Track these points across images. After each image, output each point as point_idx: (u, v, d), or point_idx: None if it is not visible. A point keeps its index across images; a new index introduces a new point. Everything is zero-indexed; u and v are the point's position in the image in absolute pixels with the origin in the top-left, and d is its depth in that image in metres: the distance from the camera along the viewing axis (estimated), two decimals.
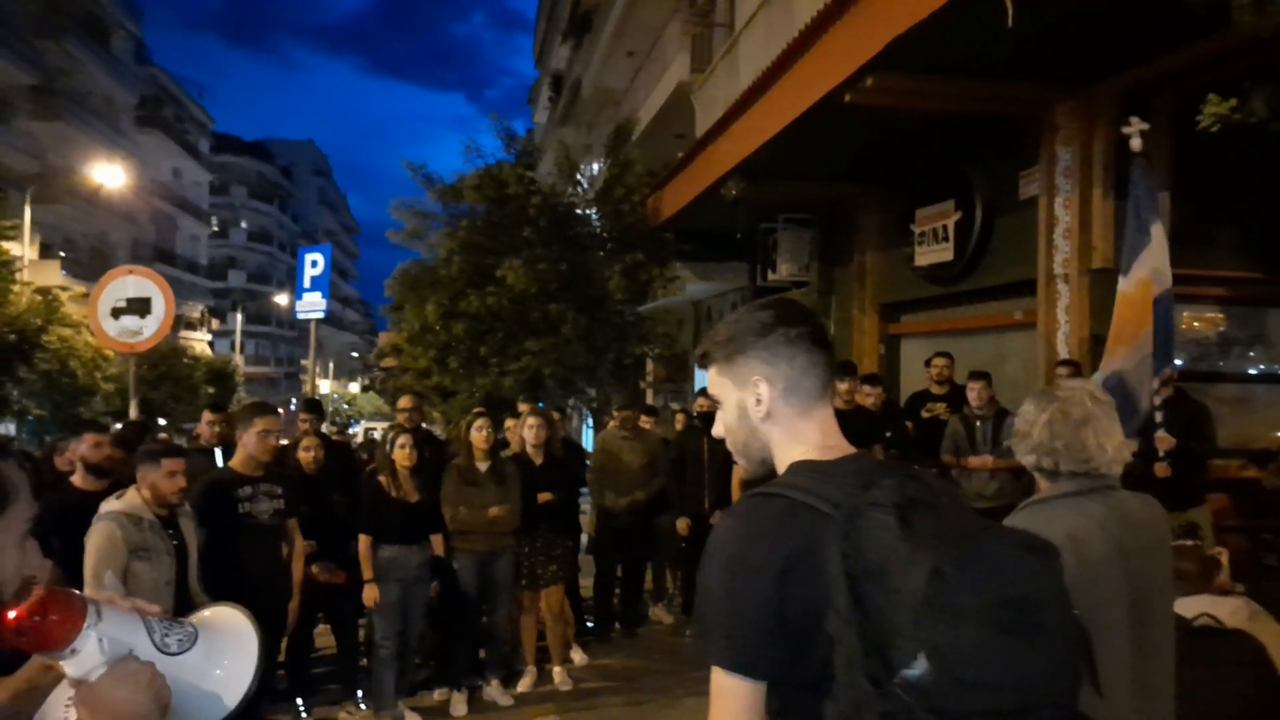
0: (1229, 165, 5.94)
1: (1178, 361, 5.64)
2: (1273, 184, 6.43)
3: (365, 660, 5.45)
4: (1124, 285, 5.07)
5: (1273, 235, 6.55)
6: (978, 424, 6.22)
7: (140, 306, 7.05)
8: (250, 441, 4.22)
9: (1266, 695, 2.63)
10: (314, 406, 6.26)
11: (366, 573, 4.97)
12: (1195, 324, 6.84)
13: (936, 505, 1.18)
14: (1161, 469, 4.96)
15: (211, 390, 23.99)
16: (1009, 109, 6.62)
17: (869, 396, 6.53)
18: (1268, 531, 6.17)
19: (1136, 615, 1.87)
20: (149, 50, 37.93)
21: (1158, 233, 5.03)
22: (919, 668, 1.05)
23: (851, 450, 1.37)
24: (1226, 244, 6.67)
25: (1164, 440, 5.08)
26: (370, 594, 4.95)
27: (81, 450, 4.25)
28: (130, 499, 3.61)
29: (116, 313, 7.06)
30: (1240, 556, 6.23)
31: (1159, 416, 5.25)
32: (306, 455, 5.31)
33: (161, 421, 22.17)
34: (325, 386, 58.14)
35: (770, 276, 10.83)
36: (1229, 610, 2.81)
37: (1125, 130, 4.99)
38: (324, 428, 6.72)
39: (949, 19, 5.05)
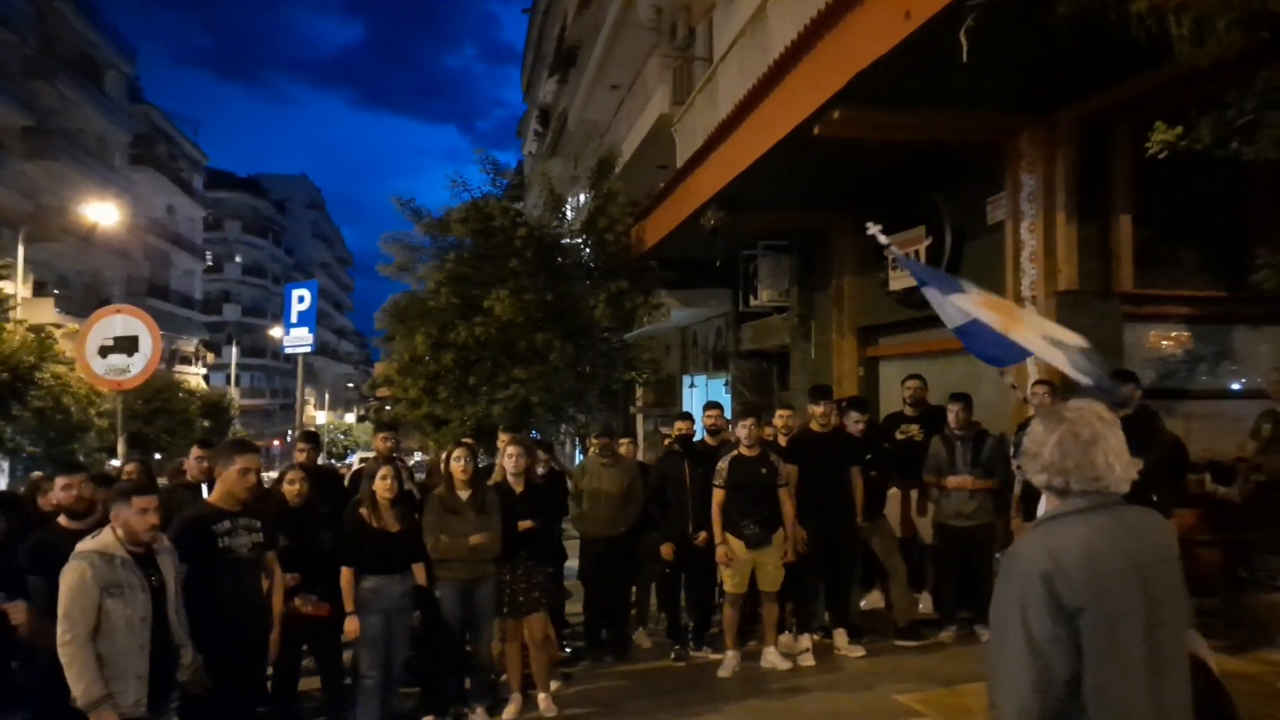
0: (1189, 189, 6.11)
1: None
2: (1230, 206, 6.62)
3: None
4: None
5: (1234, 255, 6.73)
6: (958, 444, 6.31)
7: (128, 345, 7.17)
8: (231, 478, 4.32)
9: (1207, 695, 2.71)
10: (311, 438, 6.35)
11: (348, 605, 5.05)
12: (1162, 342, 6.99)
13: None
14: None
15: (206, 424, 24.04)
16: (973, 138, 6.81)
17: (858, 424, 6.59)
18: (1240, 546, 6.28)
19: (1151, 627, 1.90)
20: (142, 88, 38.32)
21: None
22: None
23: None
24: (1190, 264, 6.83)
25: None
26: (351, 626, 5.02)
27: (54, 493, 4.29)
28: (104, 538, 3.69)
29: (104, 351, 7.17)
30: (1215, 570, 6.37)
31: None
32: (291, 489, 5.39)
33: (156, 456, 22.19)
34: (322, 417, 58.09)
35: (752, 302, 11.00)
36: None
37: (870, 231, 5.17)
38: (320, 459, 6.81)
39: (908, 54, 5.24)
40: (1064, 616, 1.85)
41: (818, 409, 6.48)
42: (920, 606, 6.94)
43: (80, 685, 3.48)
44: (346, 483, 7.03)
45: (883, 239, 5.36)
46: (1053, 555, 1.89)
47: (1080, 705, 1.86)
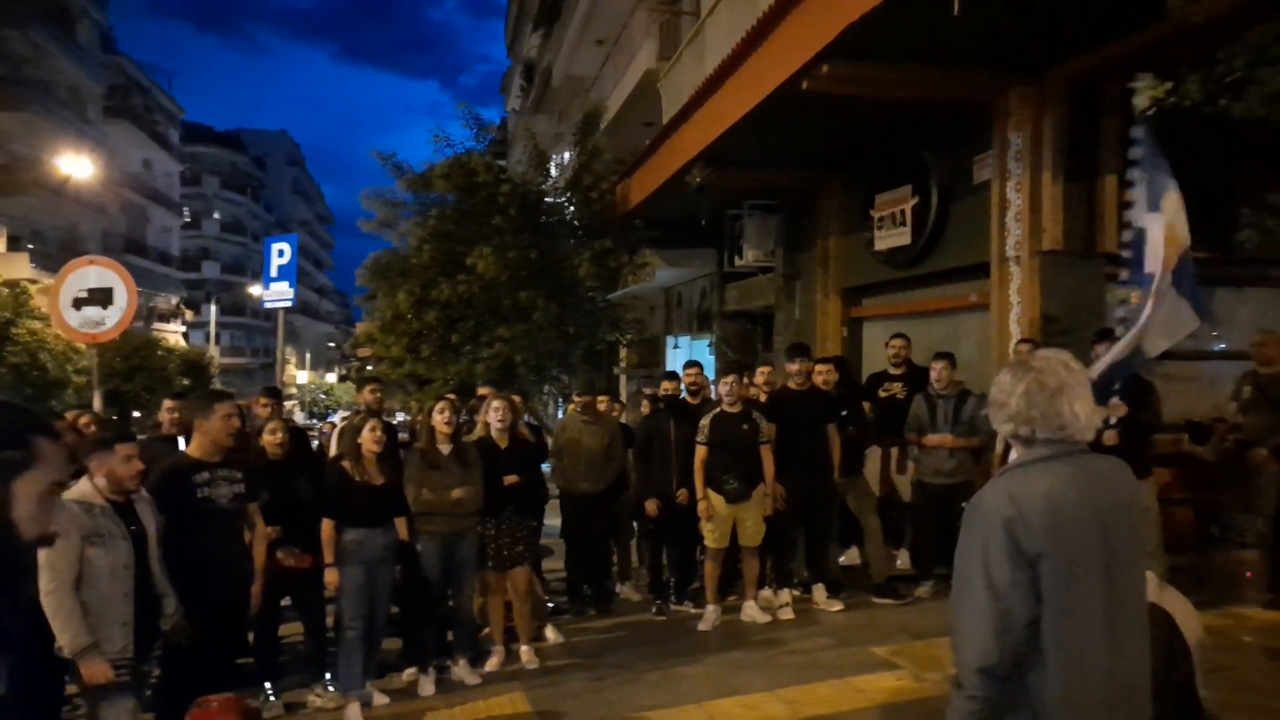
0: (1177, 148, 6.08)
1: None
2: (1216, 166, 6.61)
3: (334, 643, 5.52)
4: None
5: (1220, 215, 6.73)
6: (940, 403, 6.35)
7: (102, 297, 7.04)
8: (215, 427, 4.28)
9: (1178, 666, 2.76)
10: (274, 392, 6.29)
11: (328, 557, 5.04)
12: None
13: None
14: (1110, 436, 5.01)
15: (186, 382, 23.80)
16: (963, 95, 6.74)
17: (821, 374, 6.60)
18: (1212, 504, 6.38)
19: (1110, 573, 1.95)
20: (115, 38, 37.38)
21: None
22: None
23: None
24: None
25: (1118, 408, 5.19)
26: (331, 577, 5.02)
27: None
28: (82, 487, 3.67)
29: (78, 303, 7.04)
30: (1186, 528, 6.47)
31: (1115, 386, 5.38)
32: (273, 439, 5.35)
33: (135, 414, 22.02)
34: (303, 377, 57.79)
35: (737, 262, 10.95)
36: None
37: (1133, 84, 4.70)
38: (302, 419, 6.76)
39: (898, 8, 5.17)
40: (1024, 561, 1.89)
41: (793, 366, 6.49)
42: (899, 563, 7.03)
43: (67, 634, 3.48)
44: (336, 437, 6.99)
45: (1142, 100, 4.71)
46: (1015, 502, 1.93)
47: (1039, 648, 1.91)
